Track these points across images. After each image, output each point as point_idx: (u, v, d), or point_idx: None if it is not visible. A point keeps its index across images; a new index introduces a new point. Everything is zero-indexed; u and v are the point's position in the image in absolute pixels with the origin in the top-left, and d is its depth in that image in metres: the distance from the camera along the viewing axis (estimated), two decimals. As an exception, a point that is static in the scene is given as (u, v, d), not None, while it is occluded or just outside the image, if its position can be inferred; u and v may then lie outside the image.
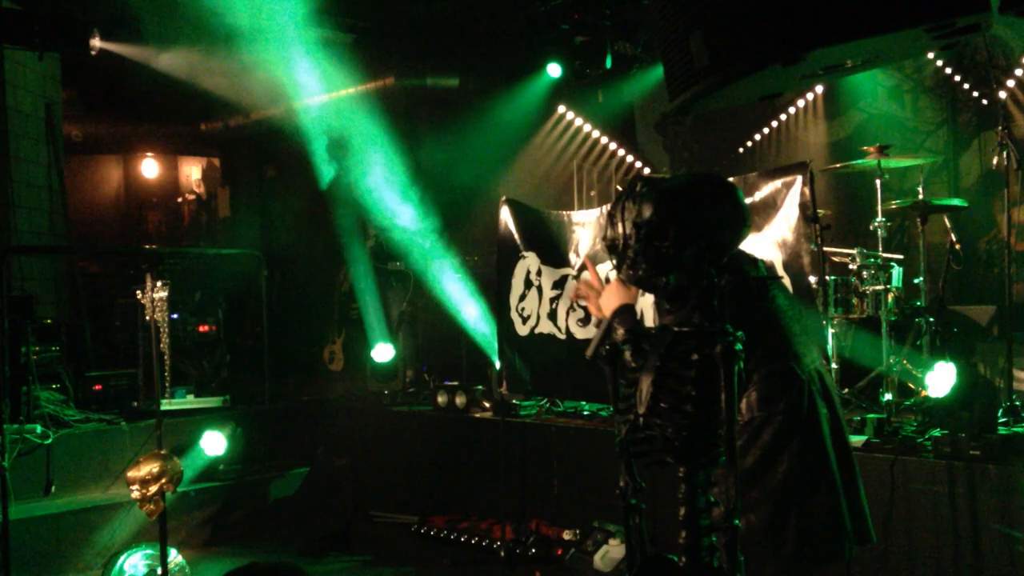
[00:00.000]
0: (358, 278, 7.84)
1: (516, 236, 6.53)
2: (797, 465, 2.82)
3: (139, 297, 4.71)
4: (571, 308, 6.11)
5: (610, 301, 3.01)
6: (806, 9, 2.28)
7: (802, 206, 4.76)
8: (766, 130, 8.11)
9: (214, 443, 5.85)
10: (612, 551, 5.04)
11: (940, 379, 4.33)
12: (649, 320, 5.56)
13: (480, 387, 6.59)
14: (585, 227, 6.17)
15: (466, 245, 7.87)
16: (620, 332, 2.81)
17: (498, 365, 6.52)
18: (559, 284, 6.23)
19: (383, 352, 7.10)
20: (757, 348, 2.76)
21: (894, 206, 5.52)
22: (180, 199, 13.05)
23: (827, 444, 2.88)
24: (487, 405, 6.46)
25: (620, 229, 2.58)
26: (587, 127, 9.13)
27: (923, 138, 7.19)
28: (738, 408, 2.63)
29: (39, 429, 5.65)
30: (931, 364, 4.55)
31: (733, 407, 2.15)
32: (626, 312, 2.93)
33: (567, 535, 5.31)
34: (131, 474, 3.94)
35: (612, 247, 2.68)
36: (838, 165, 5.58)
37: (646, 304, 5.59)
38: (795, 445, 2.82)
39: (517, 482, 5.70)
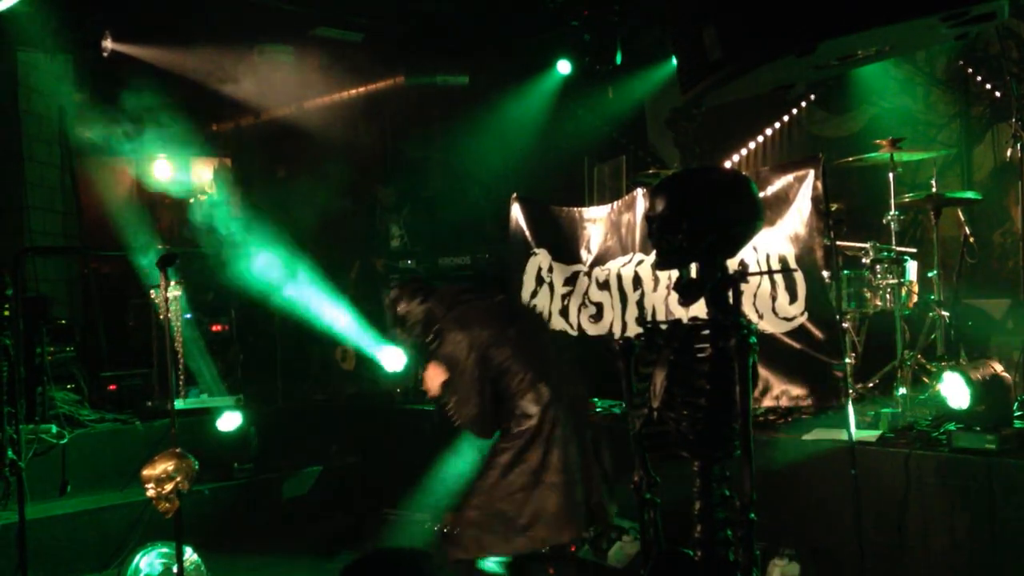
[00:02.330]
0: (373, 274, 7.86)
1: (527, 233, 6.53)
2: (533, 467, 3.92)
3: (153, 297, 4.73)
4: (582, 305, 6.11)
5: (435, 381, 4.10)
6: (820, -2, 2.27)
7: (815, 200, 4.75)
8: (778, 124, 8.07)
9: (229, 421, 5.90)
10: (626, 547, 5.02)
11: (955, 390, 4.29)
12: (660, 316, 5.55)
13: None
14: (596, 224, 6.16)
15: (477, 242, 7.87)
16: (448, 395, 4.02)
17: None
18: (570, 281, 6.23)
19: (392, 360, 7.00)
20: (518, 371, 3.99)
21: (907, 199, 5.48)
22: (192, 200, 13.06)
23: (555, 450, 3.95)
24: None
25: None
26: (597, 123, 9.10)
27: (936, 131, 7.13)
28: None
29: (54, 429, 5.67)
30: (940, 375, 4.50)
31: (748, 400, 2.15)
32: (447, 384, 4.06)
33: (581, 532, 5.29)
34: (146, 472, 3.95)
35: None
36: (851, 159, 5.55)
37: (657, 299, 5.58)
38: (534, 454, 3.92)
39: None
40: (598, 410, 6.10)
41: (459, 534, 4.01)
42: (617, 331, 5.83)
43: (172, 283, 4.78)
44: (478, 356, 4.02)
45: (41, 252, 7.24)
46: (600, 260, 6.05)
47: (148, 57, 7.48)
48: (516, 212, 6.61)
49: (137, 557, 4.56)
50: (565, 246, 6.30)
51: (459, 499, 4.11)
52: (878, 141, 5.39)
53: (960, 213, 5.61)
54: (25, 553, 4.37)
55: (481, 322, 4.16)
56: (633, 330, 5.70)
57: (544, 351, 4.30)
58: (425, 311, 4.23)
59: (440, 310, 4.21)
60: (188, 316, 6.79)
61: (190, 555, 4.44)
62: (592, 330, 6.04)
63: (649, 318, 5.50)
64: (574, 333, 6.15)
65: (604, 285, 5.95)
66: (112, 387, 6.57)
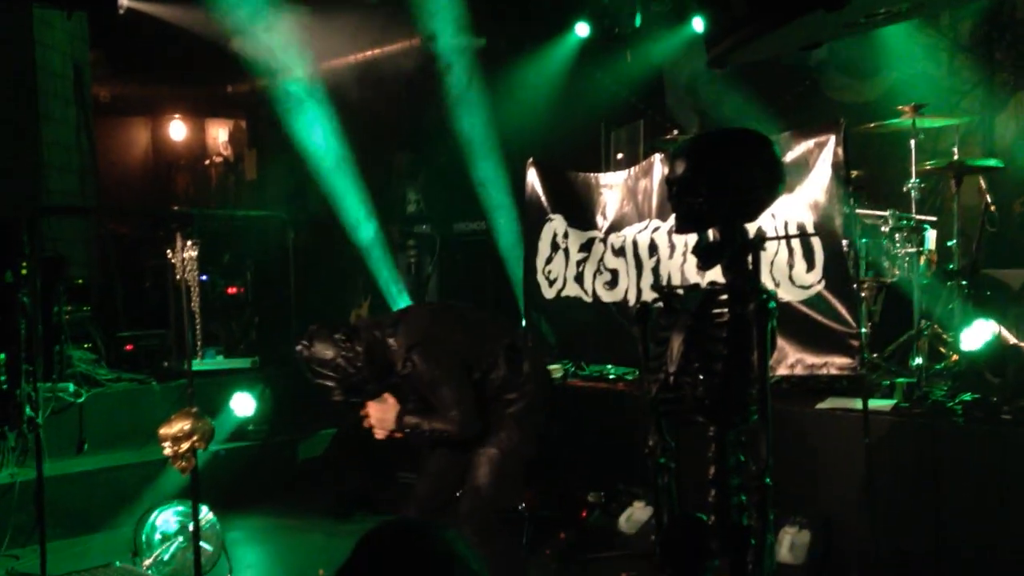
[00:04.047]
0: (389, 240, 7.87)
1: (543, 198, 6.50)
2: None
3: (169, 257, 4.74)
4: (597, 271, 6.09)
5: (387, 416, 3.82)
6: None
7: (835, 167, 4.69)
8: (798, 90, 7.97)
9: (243, 404, 5.92)
10: (636, 513, 5.05)
11: (976, 335, 4.28)
12: (676, 282, 5.53)
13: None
14: (613, 189, 6.12)
15: (492, 208, 7.84)
16: (414, 420, 3.78)
17: (523, 328, 6.51)
18: (586, 247, 6.20)
19: None
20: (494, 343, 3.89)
21: (928, 167, 5.42)
22: (207, 161, 13.09)
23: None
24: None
25: None
26: (615, 88, 9.02)
27: (958, 98, 7.03)
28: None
29: (72, 388, 5.72)
30: (970, 321, 4.48)
31: (765, 365, 2.13)
32: (405, 412, 3.81)
33: (591, 497, 5.31)
34: (163, 431, 3.97)
35: None
36: (872, 125, 5.48)
37: (673, 266, 5.56)
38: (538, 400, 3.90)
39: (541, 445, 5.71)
40: (610, 377, 6.12)
41: (494, 489, 3.83)
42: (632, 298, 5.81)
43: (188, 244, 4.78)
44: (452, 350, 3.81)
45: (57, 212, 7.27)
46: (616, 226, 6.02)
47: (164, 15, 7.45)
48: (532, 177, 6.57)
49: (153, 515, 4.61)
50: (581, 212, 6.27)
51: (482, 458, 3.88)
52: (900, 107, 5.32)
53: (981, 181, 5.54)
54: (43, 509, 4.43)
55: (431, 321, 3.95)
56: (648, 297, 5.68)
57: (494, 322, 4.21)
58: (367, 342, 3.81)
59: (379, 334, 3.83)
60: (204, 278, 6.82)
61: (206, 514, 4.49)
62: (607, 296, 6.02)
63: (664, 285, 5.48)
64: (589, 299, 6.14)
65: (620, 251, 5.92)
66: (129, 347, 6.63)
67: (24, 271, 5.16)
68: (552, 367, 6.31)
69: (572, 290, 6.26)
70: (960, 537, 3.98)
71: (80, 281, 6.71)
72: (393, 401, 3.84)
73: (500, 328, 4.10)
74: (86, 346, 6.34)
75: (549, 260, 6.42)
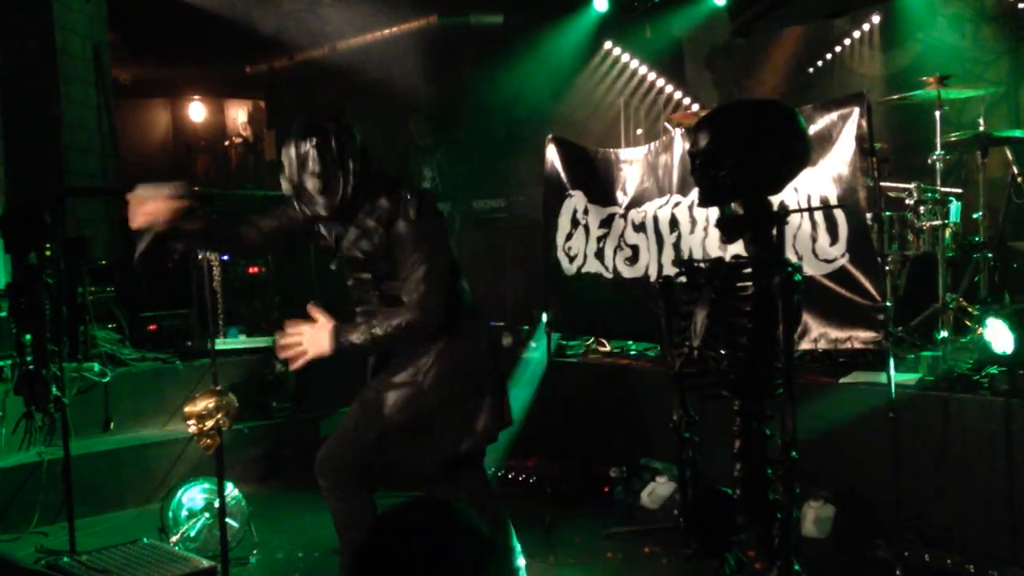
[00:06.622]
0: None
1: (563, 174, 6.47)
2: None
3: (191, 237, 4.74)
4: (618, 247, 6.06)
5: (320, 334, 3.40)
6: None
7: (859, 139, 4.63)
8: (820, 63, 7.88)
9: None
10: (659, 488, 5.05)
11: (999, 335, 4.23)
12: (698, 255, 5.50)
13: (526, 327, 6.58)
14: (632, 165, 6.08)
15: (512, 185, 7.83)
16: (360, 332, 3.38)
17: (544, 305, 6.51)
18: (606, 223, 6.18)
19: None
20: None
21: (953, 139, 5.35)
22: (227, 142, 13.13)
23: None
24: (533, 345, 6.47)
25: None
26: (634, 63, 8.95)
27: (984, 68, 6.93)
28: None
29: (97, 367, 5.78)
30: (983, 320, 4.43)
31: (791, 339, 2.12)
32: (340, 331, 3.39)
33: (613, 473, 5.33)
34: (188, 409, 4.00)
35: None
36: (896, 97, 5.41)
37: (694, 241, 5.53)
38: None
39: (563, 421, 5.72)
40: (632, 353, 6.10)
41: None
42: (653, 274, 5.79)
43: (210, 223, 4.78)
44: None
45: (80, 193, 7.31)
46: (636, 202, 5.99)
47: (182, -4, 7.46)
48: (551, 154, 6.53)
49: (180, 492, 4.66)
50: (601, 188, 6.23)
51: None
52: (925, 78, 5.25)
53: (1008, 152, 5.47)
54: (71, 487, 4.48)
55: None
56: (669, 272, 5.66)
57: None
58: (384, 176, 3.55)
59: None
60: (225, 258, 6.85)
61: (231, 490, 4.52)
62: (628, 272, 6.00)
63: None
64: (609, 276, 6.12)
65: (640, 227, 5.89)
66: (152, 327, 6.67)
67: (48, 253, 5.20)
68: (572, 343, 6.32)
69: (593, 266, 6.24)
70: (986, 511, 3.96)
71: (103, 262, 6.76)
72: (325, 319, 3.39)
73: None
74: (110, 326, 6.39)
75: (569, 236, 6.40)
